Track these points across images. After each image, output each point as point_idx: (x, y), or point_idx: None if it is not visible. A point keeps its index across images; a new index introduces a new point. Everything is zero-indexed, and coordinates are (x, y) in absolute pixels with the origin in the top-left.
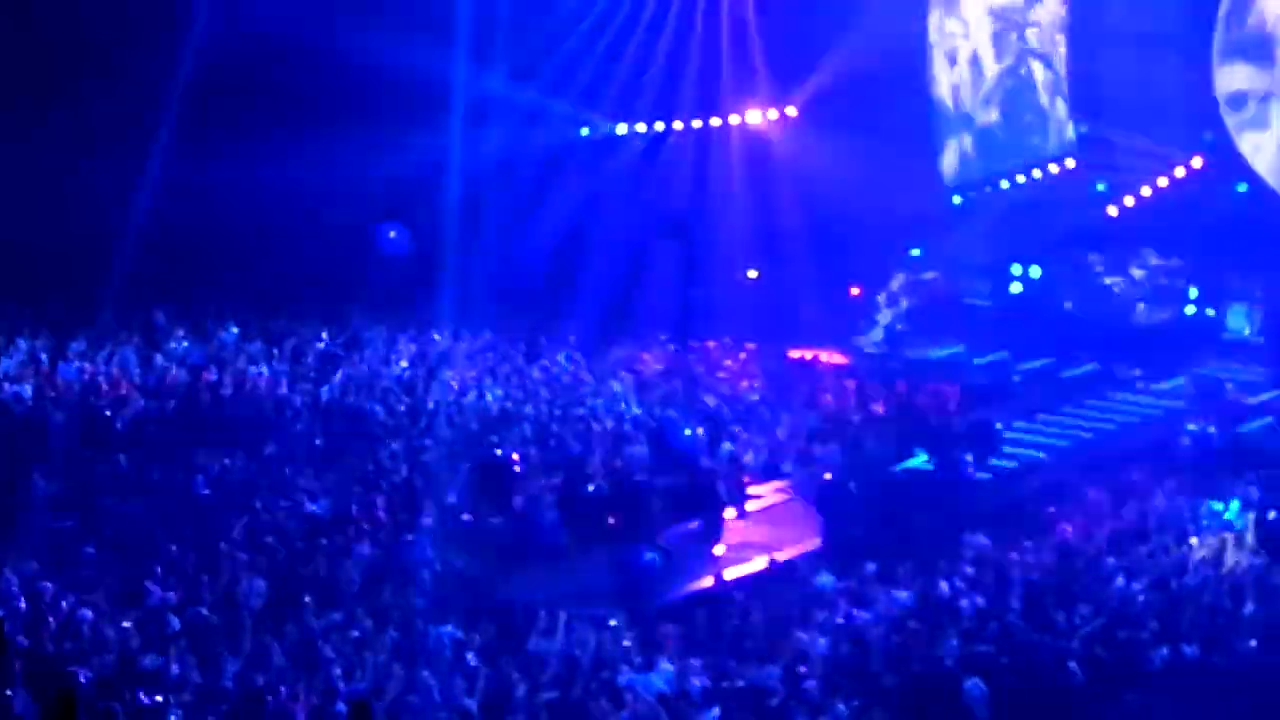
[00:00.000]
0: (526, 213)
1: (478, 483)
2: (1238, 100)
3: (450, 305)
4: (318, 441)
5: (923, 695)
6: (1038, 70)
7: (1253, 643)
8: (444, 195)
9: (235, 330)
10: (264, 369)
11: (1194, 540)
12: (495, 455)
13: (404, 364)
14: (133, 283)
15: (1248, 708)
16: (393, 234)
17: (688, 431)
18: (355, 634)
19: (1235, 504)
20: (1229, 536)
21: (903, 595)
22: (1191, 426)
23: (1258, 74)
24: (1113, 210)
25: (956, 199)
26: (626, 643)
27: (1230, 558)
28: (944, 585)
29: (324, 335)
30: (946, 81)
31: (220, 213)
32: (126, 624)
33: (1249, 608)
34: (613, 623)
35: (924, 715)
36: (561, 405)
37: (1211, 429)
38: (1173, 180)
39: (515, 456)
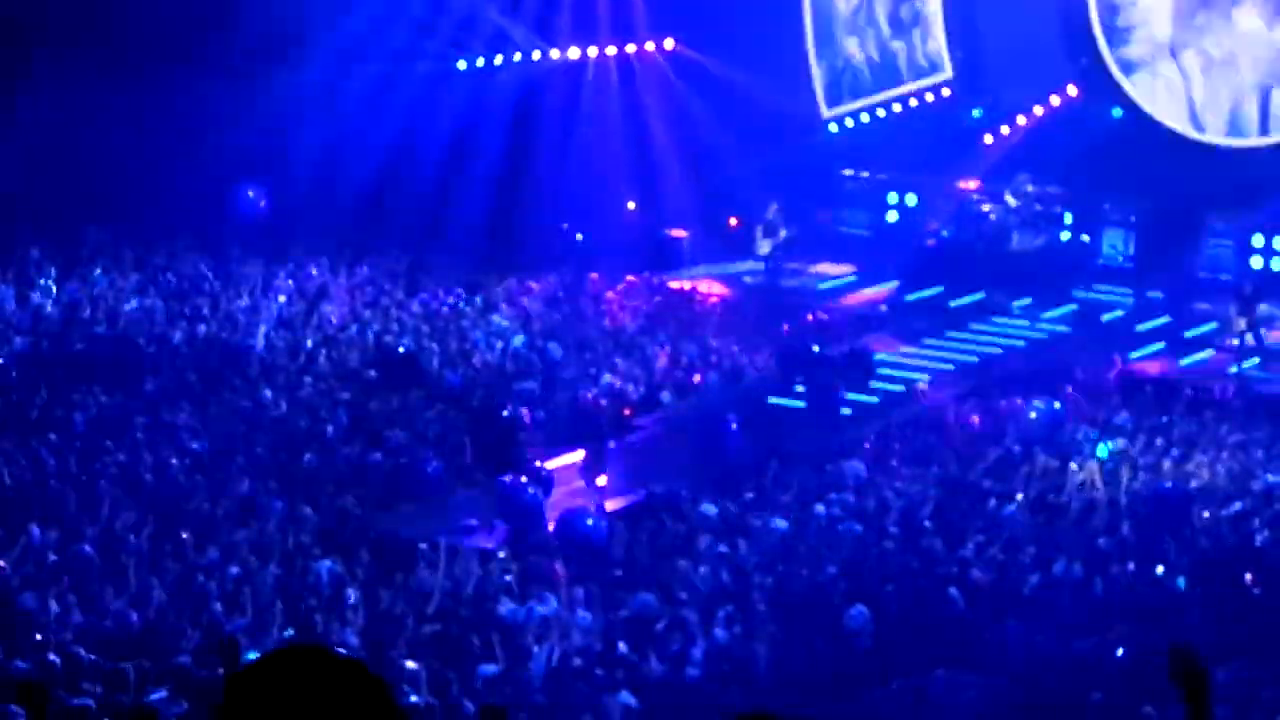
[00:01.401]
0: (404, 146)
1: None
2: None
3: (327, 239)
4: (195, 378)
5: (804, 622)
6: None
7: (1130, 566)
8: (318, 129)
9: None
10: (134, 303)
11: (1074, 465)
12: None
13: (282, 299)
14: (6, 220)
15: (1127, 631)
16: (251, 193)
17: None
18: (235, 570)
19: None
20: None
21: (782, 524)
22: None
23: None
24: (988, 138)
25: (833, 127)
26: (509, 575)
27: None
28: (822, 512)
29: (205, 271)
30: (822, 6)
31: (92, 148)
32: (2, 563)
33: (1127, 530)
34: (502, 555)
35: (806, 642)
36: (441, 338)
37: None
38: (1048, 107)
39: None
